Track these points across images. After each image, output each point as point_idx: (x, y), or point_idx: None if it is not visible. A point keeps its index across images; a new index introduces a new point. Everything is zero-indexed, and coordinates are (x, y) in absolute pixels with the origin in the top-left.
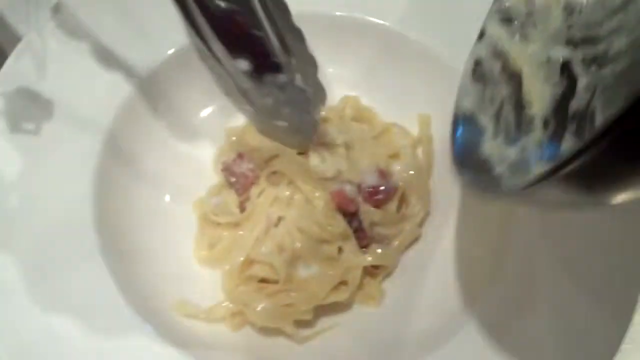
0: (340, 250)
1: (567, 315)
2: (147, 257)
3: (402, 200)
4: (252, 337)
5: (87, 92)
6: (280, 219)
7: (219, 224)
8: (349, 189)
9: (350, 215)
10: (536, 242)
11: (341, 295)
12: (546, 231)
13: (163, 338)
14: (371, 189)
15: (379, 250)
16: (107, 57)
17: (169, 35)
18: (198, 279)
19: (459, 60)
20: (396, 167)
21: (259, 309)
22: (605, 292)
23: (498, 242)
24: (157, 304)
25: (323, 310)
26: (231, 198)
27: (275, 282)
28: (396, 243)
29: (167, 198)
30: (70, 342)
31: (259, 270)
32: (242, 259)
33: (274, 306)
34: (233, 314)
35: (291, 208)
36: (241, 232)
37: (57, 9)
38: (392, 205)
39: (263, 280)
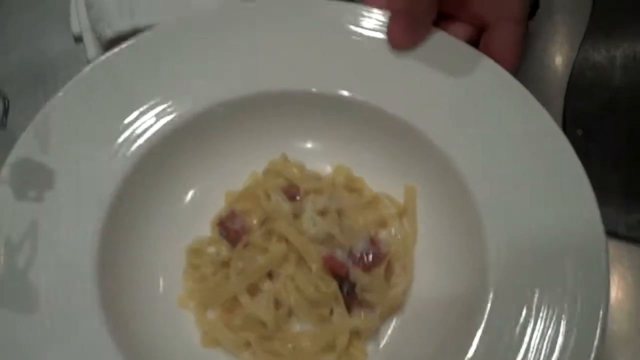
0: (331, 312)
1: None
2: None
3: (388, 268)
4: None
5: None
6: (275, 273)
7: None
8: (340, 253)
9: (341, 279)
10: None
11: (329, 358)
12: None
13: None
14: (362, 254)
15: (363, 315)
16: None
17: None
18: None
19: (435, 134)
20: (384, 235)
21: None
22: None
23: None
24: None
25: None
26: (223, 249)
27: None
28: (379, 310)
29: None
30: None
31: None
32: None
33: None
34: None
35: (287, 265)
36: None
37: (65, 95)
38: (381, 271)
39: None
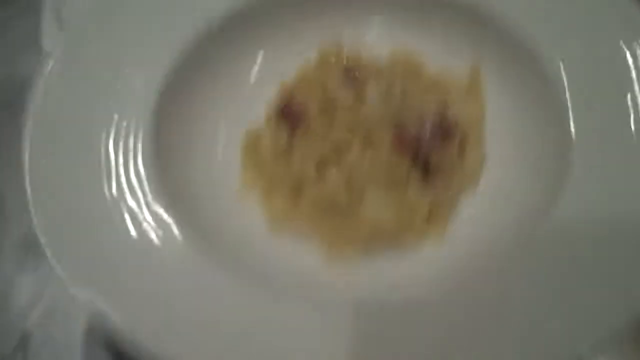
0: (405, 190)
1: None
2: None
3: (460, 144)
4: None
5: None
6: (342, 159)
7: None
8: (409, 130)
9: (413, 156)
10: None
11: (407, 235)
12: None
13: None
14: (432, 130)
15: (439, 191)
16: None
17: None
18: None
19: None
20: (451, 113)
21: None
22: None
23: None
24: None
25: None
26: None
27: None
28: (455, 184)
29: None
30: None
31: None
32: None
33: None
34: None
35: (353, 149)
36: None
37: None
38: (452, 147)
39: None
